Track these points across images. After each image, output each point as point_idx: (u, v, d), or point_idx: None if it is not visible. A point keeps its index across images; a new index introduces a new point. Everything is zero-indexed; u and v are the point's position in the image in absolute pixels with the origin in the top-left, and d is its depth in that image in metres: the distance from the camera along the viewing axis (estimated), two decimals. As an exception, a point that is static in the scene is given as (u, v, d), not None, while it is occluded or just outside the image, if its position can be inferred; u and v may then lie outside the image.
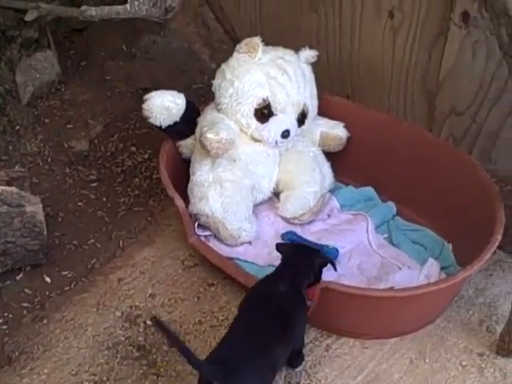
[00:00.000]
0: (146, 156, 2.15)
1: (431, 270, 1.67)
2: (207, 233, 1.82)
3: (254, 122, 1.80)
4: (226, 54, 2.48)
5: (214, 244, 1.81)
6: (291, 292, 1.45)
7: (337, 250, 1.75)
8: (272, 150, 1.86)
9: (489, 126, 1.98)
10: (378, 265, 1.75)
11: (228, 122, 1.79)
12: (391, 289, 1.51)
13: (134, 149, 2.17)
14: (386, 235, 1.86)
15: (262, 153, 1.85)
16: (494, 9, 1.49)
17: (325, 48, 2.21)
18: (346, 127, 1.98)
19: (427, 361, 1.57)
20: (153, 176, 2.07)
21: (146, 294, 1.72)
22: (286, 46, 2.03)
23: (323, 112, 1.97)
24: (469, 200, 1.75)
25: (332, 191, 1.97)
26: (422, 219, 1.89)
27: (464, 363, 1.57)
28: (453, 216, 1.80)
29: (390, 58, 2.08)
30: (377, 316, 1.54)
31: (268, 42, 2.14)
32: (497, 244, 1.55)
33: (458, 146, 2.02)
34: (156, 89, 2.38)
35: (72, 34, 2.47)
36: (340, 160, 1.99)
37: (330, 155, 1.99)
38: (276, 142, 1.83)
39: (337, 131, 1.97)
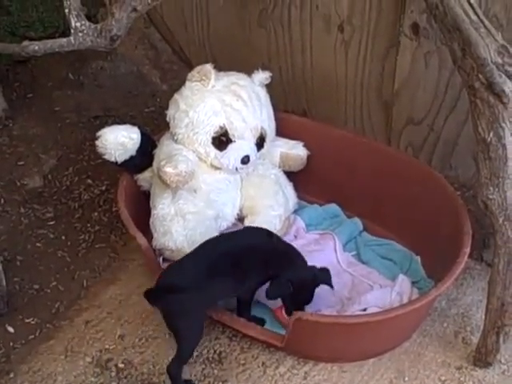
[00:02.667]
0: (104, 187, 2.10)
1: (403, 286, 1.66)
2: (174, 266, 1.77)
3: (213, 150, 1.77)
4: (177, 75, 2.47)
5: (181, 277, 1.76)
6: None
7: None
8: (233, 177, 1.83)
9: (446, 134, 1.99)
10: (348, 284, 1.74)
11: (186, 153, 1.76)
12: (365, 314, 1.50)
13: (90, 181, 2.12)
14: (354, 252, 1.84)
15: (222, 180, 1.81)
16: (445, 24, 1.49)
17: (277, 64, 2.18)
18: (306, 146, 1.96)
19: (406, 379, 1.56)
20: (112, 208, 2.02)
21: (115, 336, 1.67)
22: (237, 63, 2.00)
23: (281, 132, 1.95)
24: (435, 213, 1.75)
25: (296, 211, 1.95)
26: (389, 233, 1.88)
27: (443, 378, 1.56)
28: (419, 228, 1.80)
29: (343, 71, 2.07)
30: (353, 341, 1.52)
31: (218, 60, 2.12)
32: (466, 257, 1.55)
33: (417, 155, 2.03)
34: (108, 116, 2.38)
35: (15, 65, 2.41)
36: (302, 178, 1.97)
37: (291, 174, 1.97)
38: (236, 169, 1.80)
39: (296, 151, 1.95)
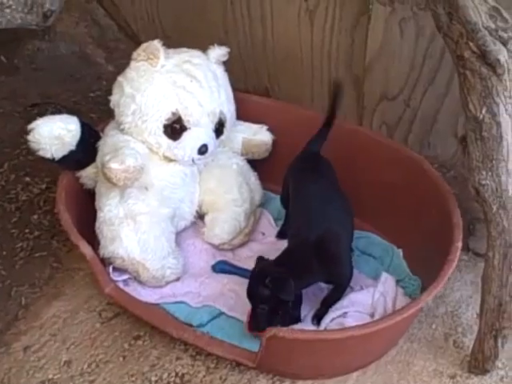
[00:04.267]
0: (44, 186, 1.85)
1: (386, 285, 1.47)
2: (125, 276, 1.55)
3: (165, 140, 1.54)
4: (124, 54, 2.23)
5: (134, 288, 1.54)
6: None
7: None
8: (189, 169, 1.61)
9: (424, 110, 1.80)
10: (324, 286, 1.54)
11: (134, 145, 1.52)
12: (350, 328, 1.30)
13: (28, 179, 1.87)
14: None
15: (178, 174, 1.59)
16: (428, -16, 1.28)
17: (234, 38, 1.96)
18: (270, 130, 1.74)
19: (397, 395, 1.38)
20: (54, 210, 1.77)
21: (60, 362, 1.44)
22: (190, 39, 1.78)
23: (242, 115, 1.73)
24: (417, 201, 1.55)
25: (262, 204, 1.74)
26: (366, 224, 1.68)
27: (437, 391, 1.39)
28: (400, 219, 1.61)
29: (309, 43, 1.86)
30: (335, 356, 1.33)
31: (170, 35, 1.89)
32: (458, 254, 1.36)
33: (392, 134, 1.85)
34: (48, 103, 2.13)
35: None
36: (267, 167, 1.76)
37: (255, 163, 1.75)
38: (193, 160, 1.57)
39: (260, 136, 1.74)
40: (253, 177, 1.71)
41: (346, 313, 1.42)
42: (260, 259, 1.42)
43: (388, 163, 1.61)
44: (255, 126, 1.74)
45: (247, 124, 1.74)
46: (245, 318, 1.44)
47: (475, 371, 1.40)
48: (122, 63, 2.19)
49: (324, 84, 1.92)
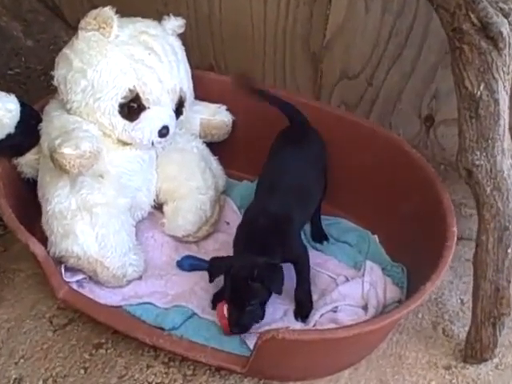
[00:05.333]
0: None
1: (373, 275, 1.37)
2: (79, 277, 1.35)
3: (121, 121, 1.35)
4: (44, 28, 2.02)
5: (91, 290, 1.35)
6: None
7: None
8: (147, 154, 1.43)
9: (388, 89, 1.72)
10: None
11: (87, 127, 1.33)
12: (357, 324, 1.18)
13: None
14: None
15: (134, 159, 1.41)
16: None
17: (175, 11, 1.76)
18: (230, 110, 1.59)
19: (392, 391, 1.28)
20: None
21: (9, 381, 1.24)
22: (122, 10, 1.58)
23: (198, 94, 1.56)
24: (395, 184, 1.45)
25: (225, 191, 1.58)
26: (336, 209, 1.57)
27: (433, 383, 1.30)
28: (375, 203, 1.51)
29: (261, 17, 1.73)
30: (330, 355, 1.21)
31: (97, 5, 1.68)
32: (455, 239, 1.28)
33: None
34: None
35: None
36: (227, 151, 1.61)
37: (213, 147, 1.59)
38: (152, 143, 1.39)
39: (220, 116, 1.58)
40: (214, 161, 1.55)
41: (336, 307, 1.30)
42: (214, 260, 1.30)
43: (362, 144, 1.50)
44: (213, 106, 1.59)
45: (204, 104, 1.58)
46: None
47: (471, 361, 1.32)
48: (42, 38, 1.98)
49: (277, 62, 1.79)
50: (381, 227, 1.51)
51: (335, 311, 1.30)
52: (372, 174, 1.50)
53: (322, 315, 1.29)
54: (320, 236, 1.50)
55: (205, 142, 1.57)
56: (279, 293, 1.22)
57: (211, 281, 1.27)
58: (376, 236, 1.52)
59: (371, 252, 1.48)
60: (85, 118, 1.35)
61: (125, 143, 1.39)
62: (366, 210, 1.53)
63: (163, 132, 1.38)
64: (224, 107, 1.59)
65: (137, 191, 1.42)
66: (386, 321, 1.14)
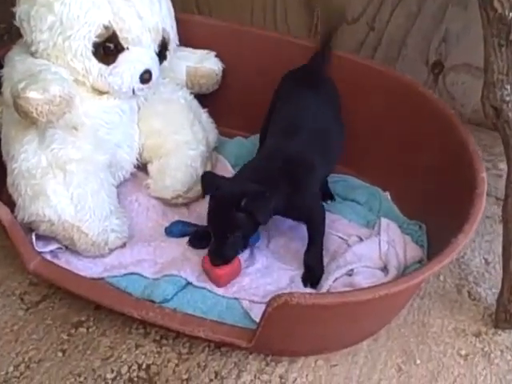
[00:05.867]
0: None
1: (390, 233, 1.20)
2: (53, 246, 1.17)
3: (96, 65, 1.17)
4: None
5: (67, 261, 1.17)
6: None
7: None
8: (128, 104, 1.25)
9: (392, 33, 1.55)
10: (309, 241, 1.25)
11: (56, 70, 1.14)
12: (383, 284, 1.01)
13: None
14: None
15: (113, 110, 1.22)
16: None
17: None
18: (219, 56, 1.41)
19: (418, 362, 1.12)
20: None
21: (-25, 367, 1.06)
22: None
23: (183, 39, 1.37)
24: (412, 132, 1.29)
25: (216, 148, 1.41)
26: (342, 165, 1.40)
27: (463, 352, 1.14)
28: (386, 157, 1.35)
29: (249, -42, 1.55)
30: (348, 323, 1.04)
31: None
32: (486, 186, 1.11)
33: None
34: None
35: None
36: (217, 105, 1.43)
37: (201, 101, 1.41)
38: (133, 91, 1.21)
39: (208, 64, 1.40)
40: (203, 114, 1.37)
41: (351, 270, 1.14)
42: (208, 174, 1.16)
43: (370, 88, 1.33)
44: (200, 52, 1.41)
45: (190, 49, 1.40)
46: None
47: (504, 326, 1.17)
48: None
49: (267, 8, 1.61)
50: (393, 183, 1.35)
51: (350, 274, 1.14)
52: (383, 122, 1.34)
53: (335, 279, 1.12)
54: (325, 194, 1.33)
55: (192, 94, 1.38)
56: (265, 223, 1.08)
57: (203, 195, 1.13)
58: (388, 193, 1.36)
59: (383, 210, 1.32)
60: (53, 62, 1.16)
61: (101, 92, 1.20)
62: (376, 164, 1.37)
63: (145, 77, 1.20)
64: (213, 53, 1.41)
65: (117, 147, 1.24)
66: (417, 279, 0.97)
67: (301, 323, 0.99)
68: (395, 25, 1.53)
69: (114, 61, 1.18)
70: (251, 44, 1.41)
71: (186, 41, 1.38)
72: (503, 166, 1.45)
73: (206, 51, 1.41)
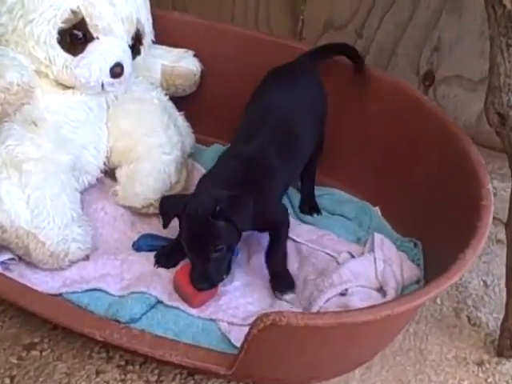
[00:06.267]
0: None
1: (385, 250, 1.09)
2: (5, 257, 1.03)
3: (62, 55, 1.05)
4: None
5: (20, 274, 1.03)
6: None
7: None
8: (95, 101, 1.12)
9: (381, 41, 1.47)
10: (293, 258, 1.13)
11: (15, 55, 1.01)
12: (385, 304, 0.89)
13: None
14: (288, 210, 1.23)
15: (79, 106, 1.10)
16: None
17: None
18: (198, 56, 1.30)
19: (417, 394, 1.00)
20: None
21: None
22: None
23: (158, 37, 1.26)
24: (406, 140, 1.19)
25: (192, 155, 1.29)
26: (328, 178, 1.29)
27: (465, 383, 1.02)
28: (376, 167, 1.24)
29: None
30: (347, 347, 0.91)
31: None
32: (492, 198, 1.01)
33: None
34: None
35: None
36: (193, 107, 1.31)
37: (177, 102, 1.29)
38: (102, 86, 1.09)
39: (186, 63, 1.29)
40: (179, 117, 1.25)
41: (345, 290, 1.01)
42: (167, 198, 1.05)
43: (360, 93, 1.23)
44: (177, 51, 1.29)
45: (166, 47, 1.28)
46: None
47: (508, 354, 1.06)
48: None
49: (249, 9, 1.54)
50: (383, 197, 1.24)
51: (343, 294, 1.02)
52: (373, 130, 1.23)
53: (328, 300, 1.00)
54: (310, 207, 1.22)
55: (167, 95, 1.26)
56: (244, 227, 0.97)
57: (165, 225, 1.00)
58: (378, 208, 1.25)
59: (374, 226, 1.21)
60: (13, 49, 1.03)
61: (66, 85, 1.08)
62: (365, 177, 1.26)
63: (116, 70, 1.08)
64: (191, 53, 1.30)
65: (82, 149, 1.11)
66: (422, 298, 0.85)
67: (289, 348, 0.86)
68: (385, 32, 1.45)
69: (81, 51, 1.06)
70: (232, 44, 1.30)
71: (162, 38, 1.26)
72: (497, 183, 1.37)
73: (183, 50, 1.29)
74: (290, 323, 0.79)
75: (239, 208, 0.95)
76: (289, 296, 1.03)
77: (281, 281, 1.05)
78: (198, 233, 0.96)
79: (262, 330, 0.80)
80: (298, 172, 1.18)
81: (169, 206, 1.00)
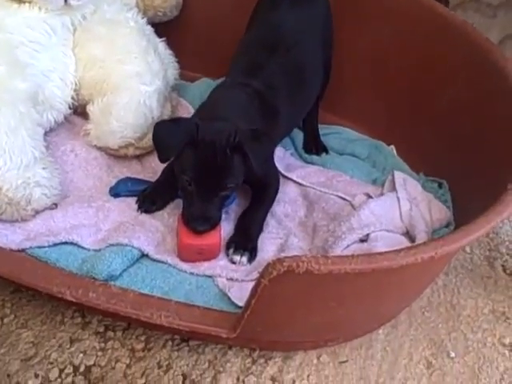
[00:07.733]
0: None
1: (409, 189, 0.93)
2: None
3: (15, -40, 0.86)
4: None
5: (-24, 227, 0.85)
6: None
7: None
8: (59, 20, 0.94)
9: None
10: (300, 202, 0.96)
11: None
12: (430, 243, 0.72)
13: None
14: (290, 150, 1.06)
15: (38, 26, 0.92)
16: None
17: None
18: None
19: (453, 355, 0.85)
20: None
21: None
22: None
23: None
24: (427, 65, 1.02)
25: (177, 90, 1.11)
26: (335, 115, 1.13)
27: (507, 341, 0.88)
28: (392, 101, 1.08)
29: None
30: (373, 301, 0.75)
31: None
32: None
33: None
34: None
35: None
36: (176, 38, 1.12)
37: (157, 31, 1.10)
38: (65, 1, 0.90)
39: (166, -18, 1.10)
40: (160, 44, 1.07)
41: (367, 235, 0.85)
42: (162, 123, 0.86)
43: (373, 10, 1.06)
44: (156, -32, 1.10)
45: (144, -36, 1.10)
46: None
47: (554, 306, 0.91)
48: None
49: None
50: (400, 135, 1.07)
51: (364, 240, 0.85)
52: (387, 54, 1.06)
53: (347, 246, 0.83)
54: (317, 146, 1.06)
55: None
56: (260, 170, 0.81)
57: (164, 159, 0.83)
58: (393, 146, 1.09)
59: (390, 166, 1.04)
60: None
61: (22, 0, 0.89)
62: (377, 111, 1.10)
63: (82, -17, 0.89)
64: (172, -31, 1.11)
65: (44, 77, 0.93)
66: (466, 239, 0.69)
67: (306, 302, 0.70)
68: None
69: (39, -44, 0.87)
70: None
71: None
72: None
73: (164, -34, 1.11)
74: (311, 270, 0.62)
75: (260, 145, 0.81)
76: (240, 258, 0.85)
77: (241, 239, 0.87)
78: (211, 165, 0.80)
79: (274, 279, 0.64)
80: (306, 109, 1.01)
81: (170, 133, 0.82)
